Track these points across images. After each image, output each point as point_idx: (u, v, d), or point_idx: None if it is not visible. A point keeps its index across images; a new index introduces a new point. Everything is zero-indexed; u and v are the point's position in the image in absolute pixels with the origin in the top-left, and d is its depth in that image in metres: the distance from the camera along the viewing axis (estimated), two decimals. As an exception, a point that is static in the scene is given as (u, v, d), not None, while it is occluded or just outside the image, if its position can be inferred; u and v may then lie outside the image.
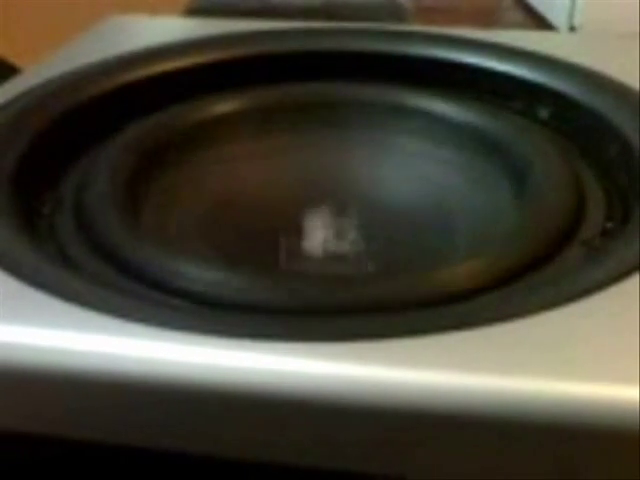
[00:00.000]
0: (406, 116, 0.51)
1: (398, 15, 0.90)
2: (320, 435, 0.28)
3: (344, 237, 0.47)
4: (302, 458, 0.29)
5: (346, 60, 0.55)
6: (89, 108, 0.49)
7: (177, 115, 0.50)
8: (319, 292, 0.34)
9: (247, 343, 0.29)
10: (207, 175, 0.49)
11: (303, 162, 0.51)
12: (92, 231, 0.39)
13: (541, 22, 1.93)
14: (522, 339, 0.29)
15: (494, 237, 0.42)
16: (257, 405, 0.28)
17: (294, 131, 0.52)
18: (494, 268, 0.35)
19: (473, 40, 0.55)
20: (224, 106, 0.52)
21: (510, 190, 0.44)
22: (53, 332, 0.30)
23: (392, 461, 0.28)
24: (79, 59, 0.53)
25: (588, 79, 0.49)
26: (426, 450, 0.28)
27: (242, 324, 0.31)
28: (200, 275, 0.35)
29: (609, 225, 0.39)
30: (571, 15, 1.77)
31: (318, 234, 0.47)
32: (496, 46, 0.54)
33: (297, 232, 0.47)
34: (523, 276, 0.35)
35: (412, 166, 0.50)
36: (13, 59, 0.81)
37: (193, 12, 0.88)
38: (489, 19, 1.97)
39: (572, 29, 1.76)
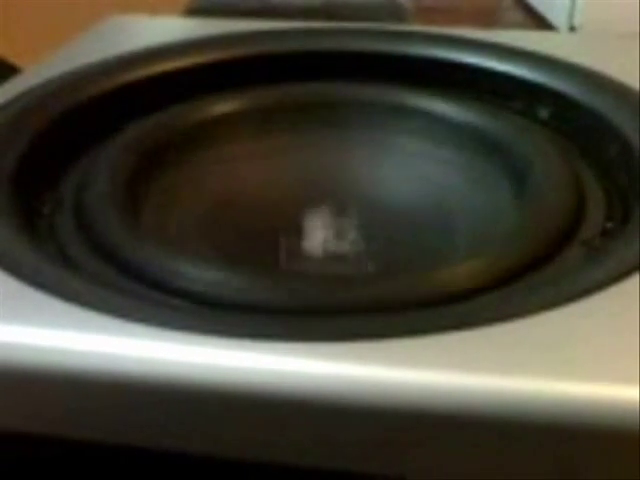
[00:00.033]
0: (406, 116, 0.51)
1: (398, 15, 0.90)
2: (320, 435, 0.28)
3: (344, 237, 0.47)
4: (302, 458, 0.29)
5: (346, 60, 0.55)
6: (89, 108, 0.49)
7: (177, 115, 0.50)
8: (319, 292, 0.34)
9: (247, 343, 0.29)
10: (207, 175, 0.49)
11: (303, 162, 0.51)
12: (92, 231, 0.39)
13: (541, 22, 1.93)
14: (522, 339, 0.29)
15: (494, 237, 0.42)
16: (257, 405, 0.28)
17: (294, 131, 0.52)
18: (494, 268, 0.35)
19: (473, 40, 0.55)
20: (224, 106, 0.52)
21: (510, 190, 0.44)
22: (53, 332, 0.30)
23: (392, 461, 0.28)
24: (79, 59, 0.53)
25: (588, 79, 0.49)
26: (426, 450, 0.28)
27: (242, 324, 0.31)
28: (200, 275, 0.35)
29: (609, 225, 0.39)
30: (571, 15, 1.77)
31: (318, 234, 0.47)
32: (496, 46, 0.54)
33: (297, 232, 0.47)
34: (523, 276, 0.35)
35: (412, 166, 0.50)
36: (13, 59, 0.81)
37: (193, 12, 0.88)
38: (489, 19, 1.97)
39: (572, 29, 1.76)
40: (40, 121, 0.46)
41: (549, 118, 0.50)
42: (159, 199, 0.45)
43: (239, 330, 0.29)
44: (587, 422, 0.26)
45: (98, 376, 0.29)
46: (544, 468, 0.27)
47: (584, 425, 0.26)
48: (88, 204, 0.41)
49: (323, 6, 0.88)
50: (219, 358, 0.28)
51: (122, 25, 0.63)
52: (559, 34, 1.29)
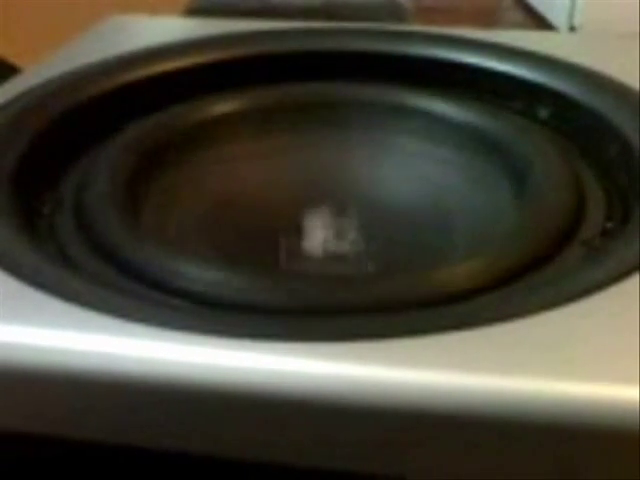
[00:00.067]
0: (406, 116, 0.51)
1: (398, 15, 0.90)
2: (320, 435, 0.28)
3: (344, 237, 0.47)
4: (302, 458, 0.29)
5: (346, 60, 0.55)
6: (89, 108, 0.49)
7: (177, 115, 0.50)
8: (319, 292, 0.34)
9: (247, 343, 0.29)
10: (207, 175, 0.49)
11: (303, 162, 0.51)
12: (92, 231, 0.39)
13: (541, 22, 1.93)
14: (522, 339, 0.29)
15: (494, 237, 0.42)
16: (257, 405, 0.28)
17: (294, 131, 0.52)
18: (494, 268, 0.35)
19: (473, 40, 0.55)
20: (224, 106, 0.52)
21: (510, 190, 0.44)
22: (53, 332, 0.30)
23: (392, 461, 0.28)
24: (79, 59, 0.53)
25: (588, 79, 0.49)
26: (426, 450, 0.28)
27: (242, 324, 0.31)
28: (200, 275, 0.35)
29: (609, 225, 0.39)
30: (571, 15, 1.77)
31: (318, 234, 0.47)
32: (496, 46, 0.54)
33: (297, 232, 0.47)
34: (523, 276, 0.35)
35: (412, 166, 0.50)
36: (13, 59, 0.81)
37: (193, 12, 0.88)
38: (489, 19, 1.97)
39: (572, 29, 1.76)
40: (40, 121, 0.46)
41: (549, 118, 0.50)
42: (159, 199, 0.45)
43: (239, 330, 0.29)
44: (587, 422, 0.26)
45: (98, 376, 0.29)
46: (544, 468, 0.27)
47: (584, 425, 0.26)
48: (88, 204, 0.41)
49: (323, 6, 0.88)
50: (219, 358, 0.28)
51: (122, 25, 0.63)
52: (559, 34, 1.29)
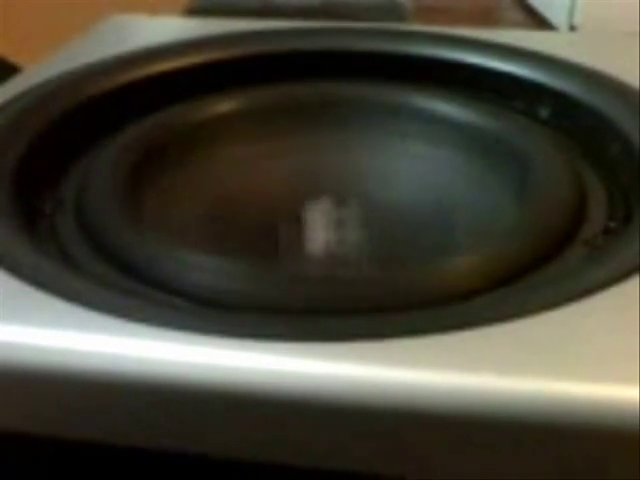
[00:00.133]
0: (407, 116, 0.51)
1: (398, 15, 0.90)
2: (320, 435, 0.28)
3: (344, 237, 0.47)
4: (302, 458, 0.29)
5: (346, 59, 0.55)
6: (89, 108, 0.49)
7: (177, 115, 0.50)
8: (319, 292, 0.34)
9: (247, 343, 0.29)
10: (207, 175, 0.49)
11: (303, 162, 0.51)
12: (93, 231, 0.39)
13: (541, 22, 1.92)
14: (522, 339, 0.29)
15: (495, 236, 0.42)
16: (257, 405, 0.28)
17: (294, 131, 0.52)
18: (494, 267, 0.35)
19: (474, 40, 0.55)
20: (224, 106, 0.52)
21: (511, 189, 0.44)
22: (54, 332, 0.30)
23: (392, 461, 0.28)
24: (79, 59, 0.53)
25: (589, 78, 0.49)
26: (426, 450, 0.28)
27: (242, 324, 0.31)
28: (201, 275, 0.35)
29: (611, 224, 0.39)
30: (571, 14, 1.76)
31: (318, 234, 0.47)
32: (497, 46, 0.54)
33: (297, 232, 0.47)
34: (524, 276, 0.35)
35: (413, 165, 0.50)
36: (13, 59, 0.81)
37: (193, 12, 0.88)
38: (489, 19, 1.97)
39: (572, 28, 1.76)
40: (40, 121, 0.46)
41: (550, 117, 0.50)
42: (159, 199, 0.45)
43: (239, 330, 0.29)
44: (587, 422, 0.26)
45: (99, 376, 0.29)
46: (544, 468, 0.27)
47: (584, 425, 0.26)
48: (89, 204, 0.41)
49: (322, 6, 0.88)
50: (220, 358, 0.28)
51: (122, 25, 0.63)
52: (560, 33, 1.29)
